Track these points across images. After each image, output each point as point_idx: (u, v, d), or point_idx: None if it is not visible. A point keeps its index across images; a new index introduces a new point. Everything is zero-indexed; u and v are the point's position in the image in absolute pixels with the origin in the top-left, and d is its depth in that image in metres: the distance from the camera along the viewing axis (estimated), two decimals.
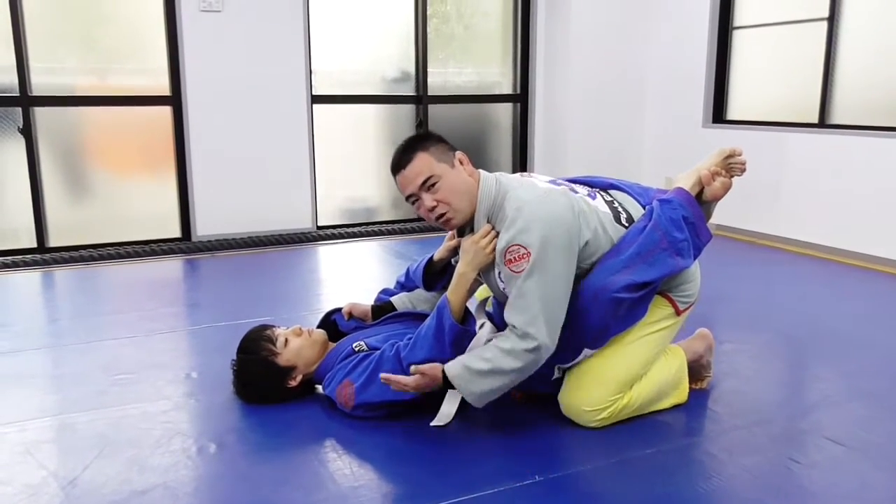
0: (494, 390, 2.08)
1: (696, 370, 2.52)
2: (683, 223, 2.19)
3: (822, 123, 4.74)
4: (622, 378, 2.22)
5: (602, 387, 2.20)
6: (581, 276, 2.14)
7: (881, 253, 4.33)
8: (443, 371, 2.09)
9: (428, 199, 2.13)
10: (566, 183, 2.30)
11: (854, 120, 4.60)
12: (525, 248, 2.01)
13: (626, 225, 2.23)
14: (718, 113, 5.48)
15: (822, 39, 4.71)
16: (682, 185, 2.28)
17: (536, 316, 2.01)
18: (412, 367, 2.11)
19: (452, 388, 2.10)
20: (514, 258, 2.03)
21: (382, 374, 2.14)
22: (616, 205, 2.28)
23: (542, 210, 2.04)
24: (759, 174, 4.90)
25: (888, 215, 4.30)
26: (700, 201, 2.27)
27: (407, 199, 2.19)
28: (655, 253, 2.14)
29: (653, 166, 5.91)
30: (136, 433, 2.24)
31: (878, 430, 2.25)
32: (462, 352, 2.22)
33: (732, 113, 5.45)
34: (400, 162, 2.16)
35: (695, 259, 2.27)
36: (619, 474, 2.00)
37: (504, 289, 2.15)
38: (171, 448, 2.14)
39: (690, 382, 2.47)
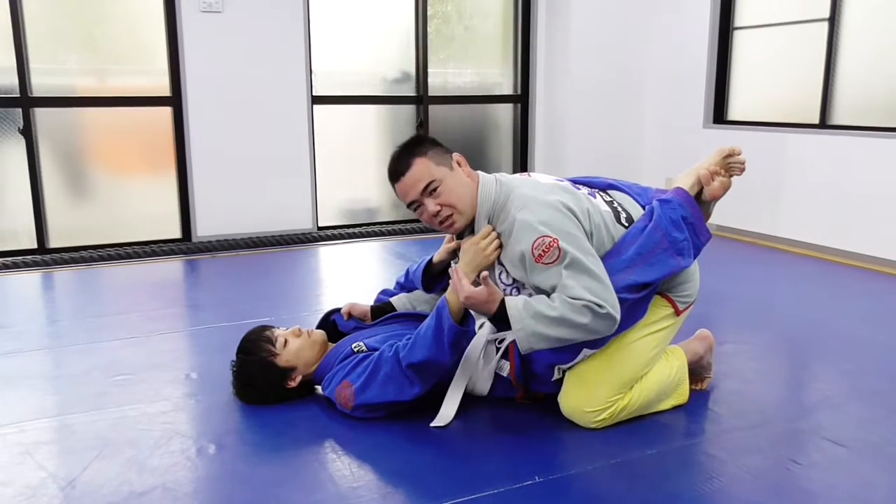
0: (549, 338, 2.02)
1: (697, 371, 2.51)
2: (683, 223, 2.19)
3: (823, 124, 4.74)
4: (622, 378, 2.21)
5: (602, 387, 2.19)
6: None
7: (882, 254, 4.32)
8: (502, 301, 2.04)
9: (431, 204, 2.13)
10: (566, 182, 2.30)
11: (855, 121, 4.60)
12: (550, 237, 2.01)
13: (626, 225, 2.23)
14: (719, 113, 5.48)
15: (822, 40, 4.70)
16: (681, 184, 2.27)
17: (595, 287, 2.00)
18: (481, 275, 2.05)
19: (505, 319, 2.03)
20: (544, 250, 2.02)
21: (452, 267, 2.06)
22: (616, 205, 2.28)
23: (550, 200, 2.06)
24: (760, 175, 4.90)
25: (889, 216, 4.29)
26: (699, 201, 2.26)
27: (408, 206, 2.18)
28: (656, 253, 2.14)
29: (653, 167, 5.90)
30: (135, 434, 2.24)
31: (879, 430, 2.24)
32: (461, 352, 2.22)
33: (733, 113, 5.45)
34: (398, 169, 2.15)
35: (694, 259, 2.27)
36: (620, 475, 1.99)
37: (505, 289, 2.14)
38: (171, 449, 2.14)
39: (691, 383, 2.47)
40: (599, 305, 1.99)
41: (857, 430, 2.24)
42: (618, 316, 2.03)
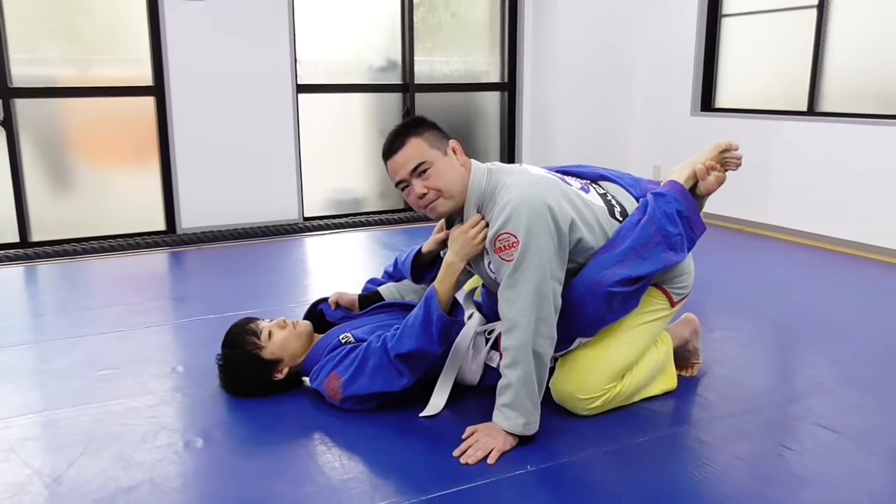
0: (536, 389, 2.02)
1: (684, 356, 2.51)
2: (677, 217, 2.18)
3: (811, 111, 4.74)
4: (617, 367, 2.21)
5: (597, 375, 2.19)
6: (575, 270, 2.12)
7: (870, 240, 4.34)
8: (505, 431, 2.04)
9: (418, 186, 2.10)
10: (557, 175, 2.26)
11: (843, 108, 4.60)
12: (515, 237, 1.98)
13: (621, 219, 2.21)
14: (707, 101, 5.47)
15: (811, 27, 4.70)
16: (676, 178, 2.26)
17: (528, 305, 1.98)
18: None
19: (521, 433, 2.04)
20: (504, 246, 2.00)
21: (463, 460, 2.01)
22: (609, 198, 2.26)
23: (531, 195, 2.00)
24: (748, 162, 4.84)
25: (877, 203, 4.30)
26: (693, 194, 2.25)
27: (397, 185, 2.16)
28: (649, 247, 2.13)
29: (641, 154, 5.90)
30: (121, 429, 2.20)
31: (870, 416, 2.25)
32: (450, 343, 2.20)
33: (721, 101, 5.44)
34: (392, 146, 2.13)
35: (689, 252, 2.25)
36: (612, 463, 1.99)
37: (495, 277, 2.12)
38: (158, 443, 2.11)
39: (679, 369, 2.47)
40: (514, 327, 1.99)
41: (849, 417, 2.24)
42: (546, 330, 2.00)
